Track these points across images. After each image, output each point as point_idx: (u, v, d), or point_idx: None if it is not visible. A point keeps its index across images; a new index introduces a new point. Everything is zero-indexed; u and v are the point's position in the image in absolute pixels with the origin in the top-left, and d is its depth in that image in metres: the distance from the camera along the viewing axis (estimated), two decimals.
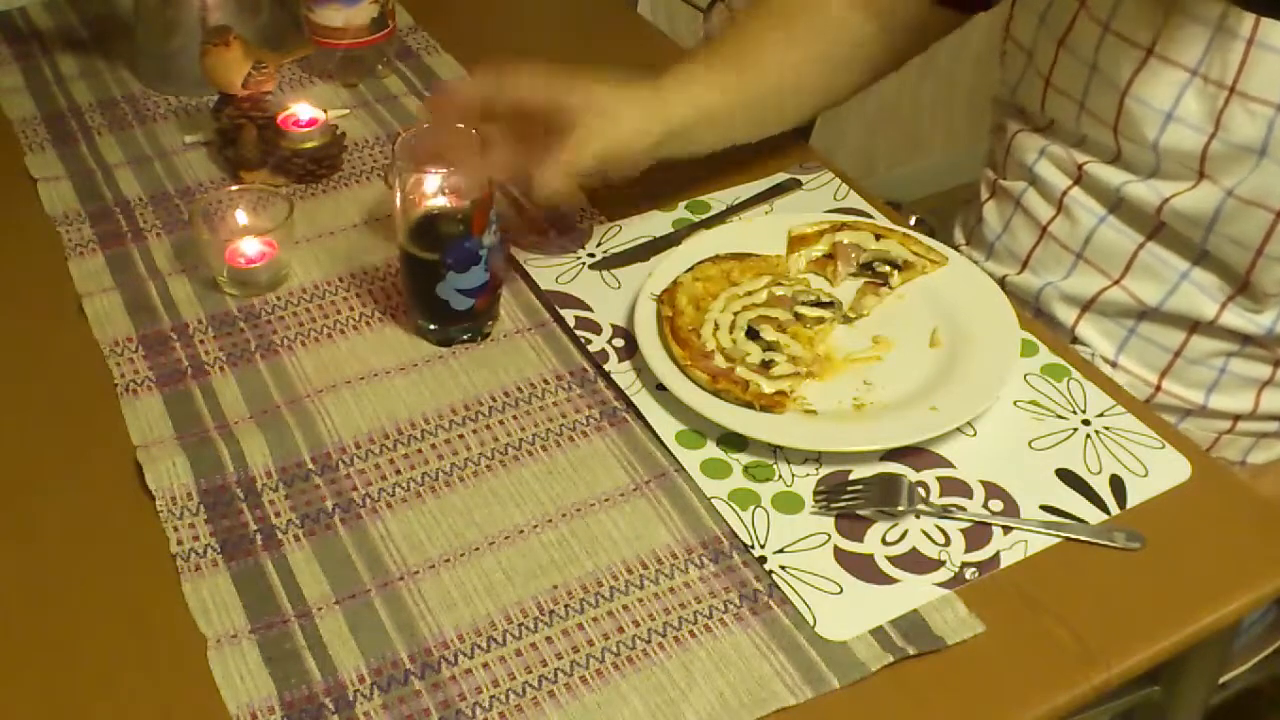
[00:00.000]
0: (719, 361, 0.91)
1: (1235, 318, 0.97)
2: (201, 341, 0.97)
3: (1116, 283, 1.01)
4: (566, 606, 0.77)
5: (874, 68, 1.12)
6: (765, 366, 0.90)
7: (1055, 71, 1.02)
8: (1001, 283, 1.10)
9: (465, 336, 0.96)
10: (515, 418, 0.90)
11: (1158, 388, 1.02)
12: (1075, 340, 1.06)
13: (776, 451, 0.86)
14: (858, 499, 0.82)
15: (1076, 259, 1.04)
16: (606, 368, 0.93)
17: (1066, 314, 1.04)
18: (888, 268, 1.00)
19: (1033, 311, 1.09)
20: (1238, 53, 0.88)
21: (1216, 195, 0.92)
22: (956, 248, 1.18)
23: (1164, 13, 0.92)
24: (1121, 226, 1.01)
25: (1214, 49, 0.90)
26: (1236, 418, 1.04)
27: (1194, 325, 0.99)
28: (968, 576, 0.78)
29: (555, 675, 0.73)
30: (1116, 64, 0.95)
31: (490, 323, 0.97)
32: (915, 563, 0.79)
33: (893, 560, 0.79)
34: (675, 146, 1.01)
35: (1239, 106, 0.89)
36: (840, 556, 0.79)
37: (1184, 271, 0.98)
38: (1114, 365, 1.05)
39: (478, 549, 0.80)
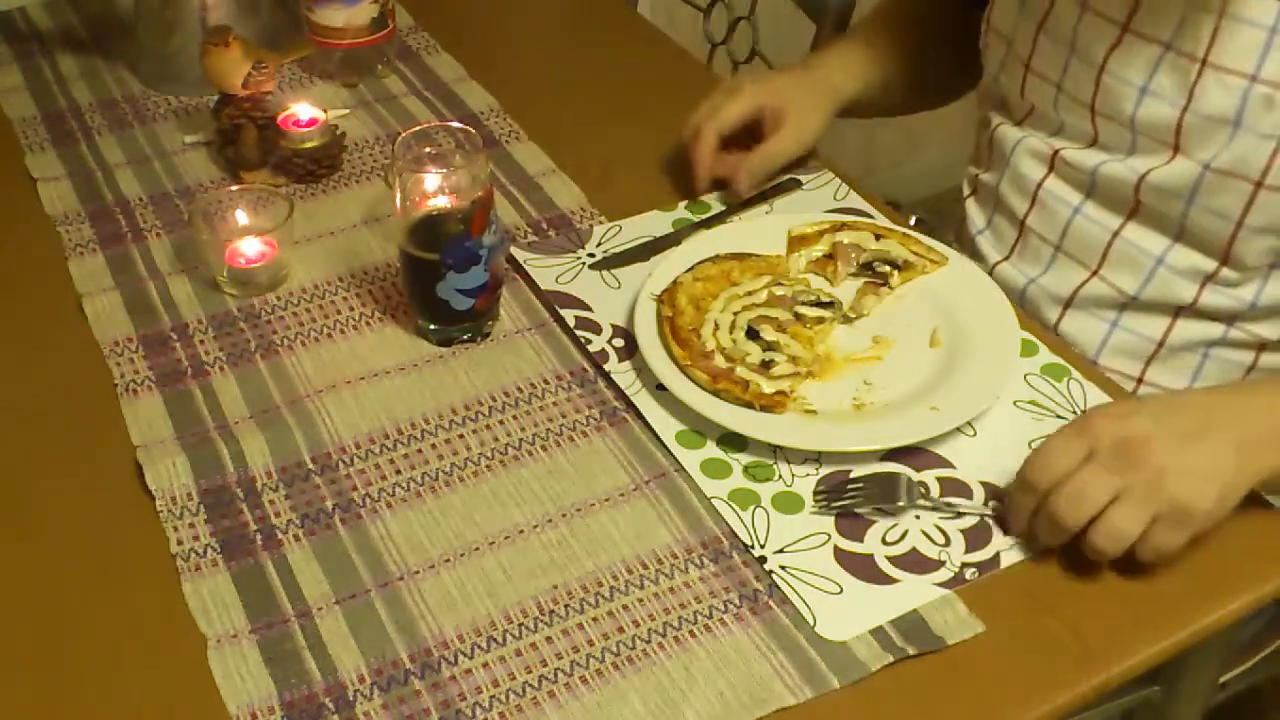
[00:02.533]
0: (719, 361, 0.91)
1: (1216, 296, 0.97)
2: (201, 341, 0.97)
3: (1095, 273, 1.02)
4: (566, 606, 0.77)
5: (941, 88, 1.26)
6: (765, 366, 0.90)
7: (1035, 56, 1.03)
8: None
9: (465, 336, 0.96)
10: (515, 418, 0.90)
11: (1140, 379, 1.03)
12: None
13: (776, 451, 0.86)
14: (858, 499, 0.82)
15: (1055, 251, 1.04)
16: (606, 368, 0.93)
17: (1050, 312, 1.05)
18: (888, 268, 1.00)
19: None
20: (1209, 25, 0.89)
21: (1193, 169, 0.93)
22: (949, 245, 1.19)
23: None
24: (1096, 215, 1.01)
25: (1186, 22, 0.91)
26: None
27: (1176, 311, 1.00)
28: (968, 576, 0.78)
29: (555, 675, 0.73)
30: (1093, 42, 0.97)
31: (490, 323, 0.97)
32: (915, 563, 0.79)
33: (893, 560, 0.79)
34: (844, 114, 1.16)
35: (1211, 78, 0.90)
36: (840, 556, 0.79)
37: (1159, 257, 0.98)
38: (1094, 364, 1.05)
39: (478, 549, 0.80)
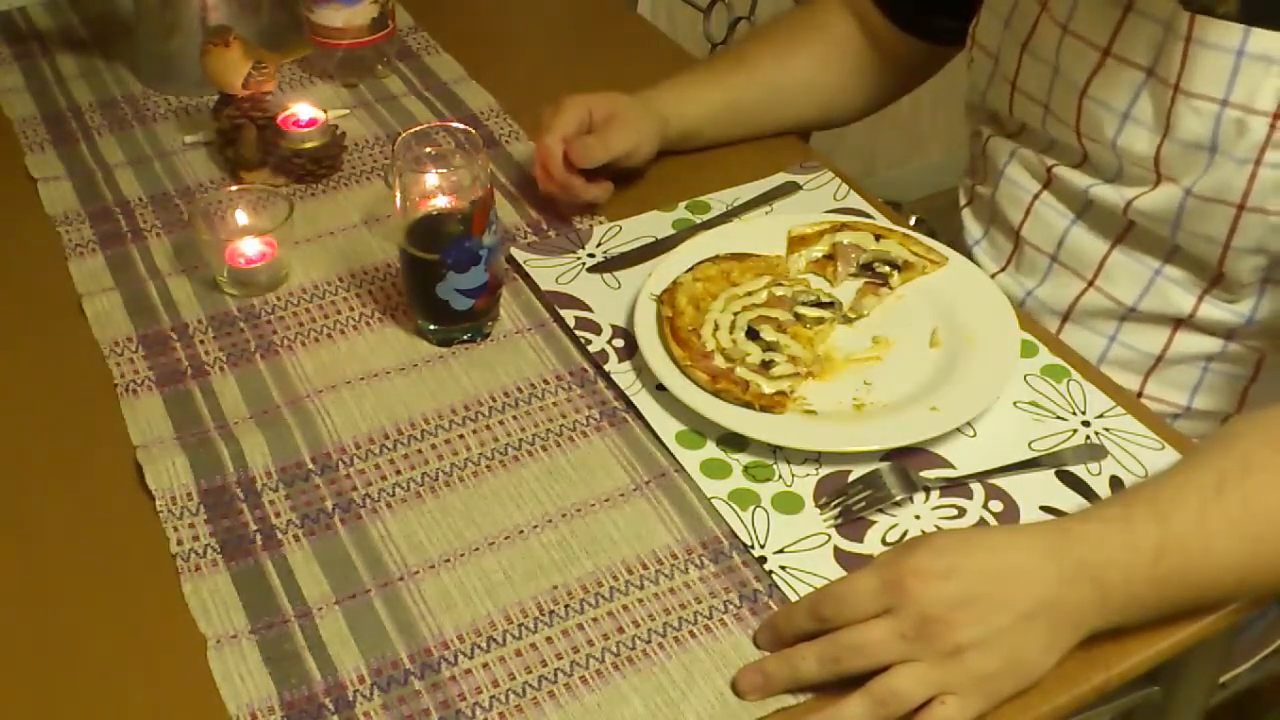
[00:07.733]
0: (719, 362, 0.91)
1: (1214, 309, 0.96)
2: (201, 341, 0.97)
3: (1091, 284, 1.01)
4: (566, 606, 0.77)
5: (870, 93, 1.23)
6: (765, 367, 0.90)
7: (1020, 75, 1.02)
8: None
9: (465, 336, 0.96)
10: (515, 418, 0.90)
11: (1140, 393, 1.02)
12: None
13: (776, 451, 0.86)
14: (858, 501, 0.82)
15: (1052, 262, 1.04)
16: (606, 368, 0.93)
17: (1048, 325, 1.04)
18: (887, 268, 1.00)
19: None
20: (1179, 51, 0.88)
21: (1177, 195, 0.92)
22: None
23: (1120, 12, 0.92)
24: (1091, 229, 1.01)
25: (1163, 48, 0.90)
26: (1225, 418, 1.03)
27: (1176, 323, 0.99)
28: None
29: (555, 675, 0.73)
30: (1075, 65, 0.96)
31: (490, 323, 0.97)
32: None
33: None
34: (677, 144, 1.15)
35: (1184, 105, 0.89)
36: (840, 556, 0.79)
37: (1157, 268, 0.97)
38: None
39: (478, 549, 0.80)
